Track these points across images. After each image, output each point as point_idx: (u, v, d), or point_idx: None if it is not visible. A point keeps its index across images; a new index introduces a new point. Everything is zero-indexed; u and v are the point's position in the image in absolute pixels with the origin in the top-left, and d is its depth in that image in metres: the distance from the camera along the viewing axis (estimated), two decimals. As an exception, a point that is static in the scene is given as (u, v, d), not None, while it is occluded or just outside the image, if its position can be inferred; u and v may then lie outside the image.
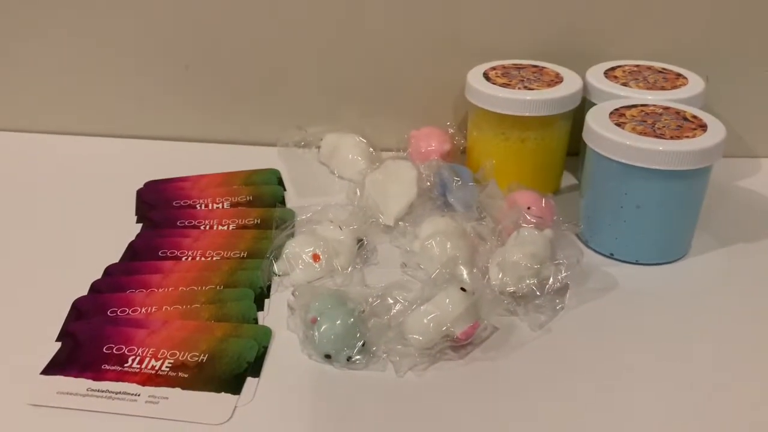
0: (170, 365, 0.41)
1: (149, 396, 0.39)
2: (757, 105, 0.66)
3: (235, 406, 0.39)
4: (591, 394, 0.41)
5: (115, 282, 0.49)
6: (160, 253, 0.52)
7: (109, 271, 0.50)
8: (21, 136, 0.68)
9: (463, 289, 0.43)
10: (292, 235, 0.52)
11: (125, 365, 0.41)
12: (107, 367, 0.41)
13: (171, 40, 0.65)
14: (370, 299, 0.45)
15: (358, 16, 0.63)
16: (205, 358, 0.42)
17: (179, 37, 0.65)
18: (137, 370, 0.41)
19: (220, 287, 0.48)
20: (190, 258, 0.51)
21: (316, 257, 0.49)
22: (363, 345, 0.42)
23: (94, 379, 0.40)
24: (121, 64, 0.66)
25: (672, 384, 0.42)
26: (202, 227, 0.55)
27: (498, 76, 0.59)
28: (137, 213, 0.57)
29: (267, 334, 0.44)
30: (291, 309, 0.45)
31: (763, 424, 0.40)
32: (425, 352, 0.43)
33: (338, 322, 0.42)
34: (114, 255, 0.51)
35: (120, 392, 0.40)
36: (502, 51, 0.63)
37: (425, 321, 0.42)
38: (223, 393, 0.40)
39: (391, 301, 0.45)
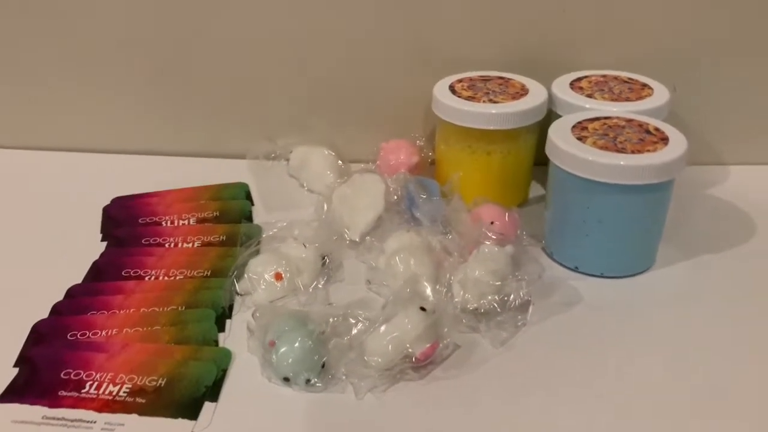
0: (128, 390, 0.41)
1: (105, 423, 0.39)
2: (725, 112, 0.66)
3: (191, 433, 0.39)
4: (554, 410, 0.41)
5: (76, 304, 0.48)
6: (123, 273, 0.51)
7: (71, 292, 0.49)
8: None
9: (423, 309, 0.43)
10: (256, 252, 0.52)
11: (82, 391, 0.41)
12: (64, 393, 0.41)
13: (138, 52, 0.65)
14: (332, 319, 0.45)
15: (329, 27, 0.63)
16: (163, 383, 0.42)
17: (146, 49, 0.64)
18: (94, 396, 0.41)
19: (182, 308, 0.48)
20: (153, 277, 0.51)
21: (278, 276, 0.49)
22: (322, 367, 0.42)
23: (50, 406, 0.40)
24: (86, 76, 0.66)
25: (637, 398, 0.42)
26: (166, 245, 0.55)
27: (464, 89, 0.59)
28: (102, 230, 0.57)
29: (227, 356, 0.44)
30: (250, 331, 0.45)
31: (730, 425, 0.40)
32: (385, 373, 0.43)
33: (296, 344, 0.42)
34: (77, 275, 0.51)
35: (76, 419, 0.39)
36: (471, 62, 0.63)
37: (384, 342, 0.42)
38: (180, 419, 0.40)
39: (353, 321, 0.45)
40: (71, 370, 0.42)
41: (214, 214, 0.59)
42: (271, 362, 0.42)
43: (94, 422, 0.39)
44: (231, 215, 0.58)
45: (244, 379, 0.43)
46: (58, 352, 0.44)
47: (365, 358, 0.43)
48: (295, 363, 0.42)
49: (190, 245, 0.54)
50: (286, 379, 0.42)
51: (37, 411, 0.40)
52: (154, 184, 0.63)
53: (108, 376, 0.42)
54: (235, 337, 0.46)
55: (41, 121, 0.68)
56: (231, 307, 0.48)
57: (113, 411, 0.40)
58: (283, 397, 0.42)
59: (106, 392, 0.41)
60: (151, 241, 0.55)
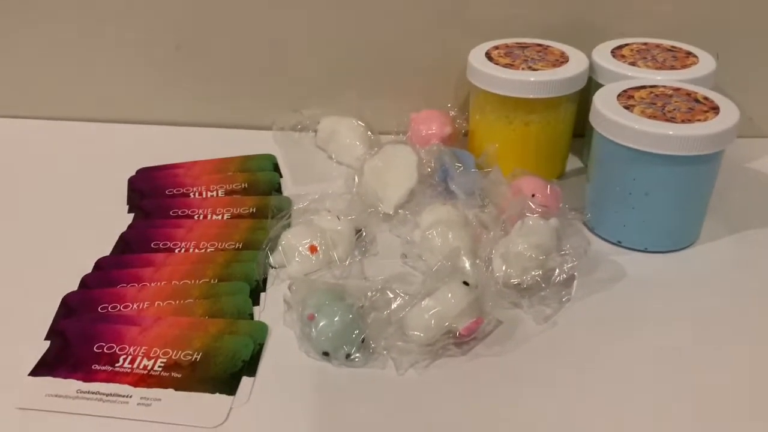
0: (163, 365, 0.40)
1: (141, 398, 0.38)
2: (769, 83, 0.64)
3: (231, 408, 0.38)
4: (599, 389, 0.40)
5: (106, 276, 0.47)
6: (152, 245, 0.50)
7: (99, 264, 0.48)
8: (4, 122, 0.66)
9: (465, 283, 0.42)
10: (288, 225, 0.50)
11: (116, 365, 0.40)
12: (98, 367, 0.40)
13: (161, 21, 0.63)
14: (369, 293, 0.43)
15: (356, -7, 0.61)
16: (199, 357, 0.40)
17: (170, 18, 0.63)
18: (129, 370, 0.40)
19: (214, 281, 0.46)
20: (183, 249, 0.50)
21: (313, 249, 0.47)
22: (362, 342, 0.41)
23: (84, 380, 0.39)
24: (110, 46, 0.64)
25: (680, 376, 0.41)
26: (195, 217, 0.53)
27: (501, 56, 0.56)
28: (129, 202, 0.55)
29: (263, 330, 0.43)
30: (287, 304, 0.43)
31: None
32: (426, 348, 0.41)
33: (336, 318, 0.40)
34: (105, 247, 0.50)
35: (111, 394, 0.38)
36: (506, 28, 0.61)
37: (426, 317, 0.41)
38: (217, 394, 0.38)
39: (391, 295, 0.43)
40: (104, 344, 0.41)
41: (243, 185, 0.57)
42: (309, 336, 0.41)
43: (130, 396, 0.38)
44: (260, 187, 0.57)
45: (282, 354, 0.41)
46: (90, 325, 0.43)
47: (406, 333, 0.41)
48: (334, 337, 0.40)
49: (220, 217, 0.53)
50: (326, 354, 0.41)
51: (71, 385, 0.39)
52: (179, 155, 0.61)
53: (142, 350, 0.41)
54: (270, 310, 0.45)
55: (66, 92, 0.66)
56: (265, 281, 0.47)
57: (149, 386, 0.39)
58: (323, 372, 0.40)
59: (141, 366, 0.40)
60: (179, 213, 0.54)
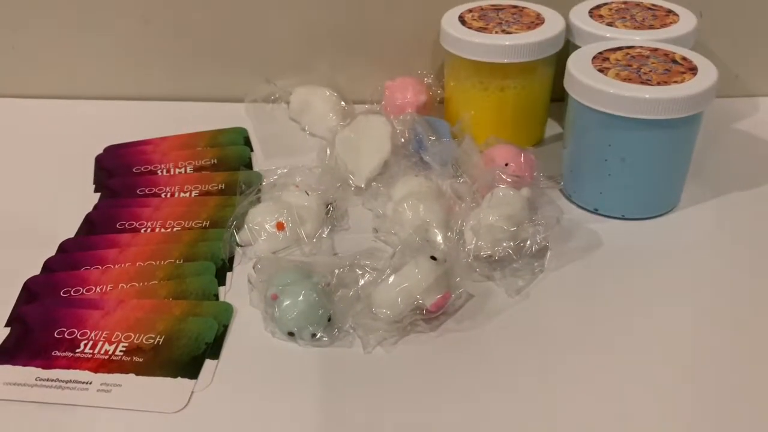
0: (124, 349, 0.39)
1: (101, 384, 0.37)
2: (754, 41, 0.62)
3: (192, 392, 0.37)
4: (574, 362, 0.39)
5: (69, 259, 0.46)
6: (118, 225, 0.49)
7: (63, 247, 0.47)
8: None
9: (433, 258, 0.41)
10: (257, 201, 0.49)
11: (77, 351, 0.39)
12: (58, 353, 0.39)
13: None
14: (337, 270, 0.42)
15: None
16: (161, 340, 0.40)
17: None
18: (90, 356, 0.39)
19: (180, 261, 0.45)
20: (149, 229, 0.48)
21: (279, 226, 0.46)
22: (329, 320, 0.40)
23: (44, 367, 0.38)
24: (76, 20, 0.62)
25: (659, 348, 0.40)
26: (163, 195, 0.52)
27: (474, 20, 0.54)
28: (95, 181, 0.54)
29: (228, 311, 0.42)
30: (252, 284, 0.42)
31: (763, 378, 0.38)
32: (394, 325, 0.40)
33: (300, 298, 0.39)
34: (70, 228, 0.49)
35: (70, 381, 0.37)
36: (481, -10, 0.59)
37: (393, 293, 0.40)
38: (179, 378, 0.38)
39: (360, 272, 0.42)
40: (65, 329, 0.40)
41: (212, 161, 0.56)
42: (274, 317, 0.40)
43: (90, 383, 0.37)
44: (229, 162, 0.56)
45: (247, 335, 0.41)
46: (51, 310, 0.42)
47: (373, 310, 0.40)
48: (299, 317, 0.39)
49: (188, 195, 0.52)
50: (291, 334, 0.40)
51: (31, 372, 0.38)
52: (149, 131, 0.59)
53: (103, 335, 0.40)
54: (236, 290, 0.44)
55: (29, 68, 0.64)
56: (231, 260, 0.46)
57: (109, 371, 0.38)
58: (288, 352, 0.39)
59: (102, 351, 0.39)
60: (146, 191, 0.52)
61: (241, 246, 0.47)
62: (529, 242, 0.44)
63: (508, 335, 0.41)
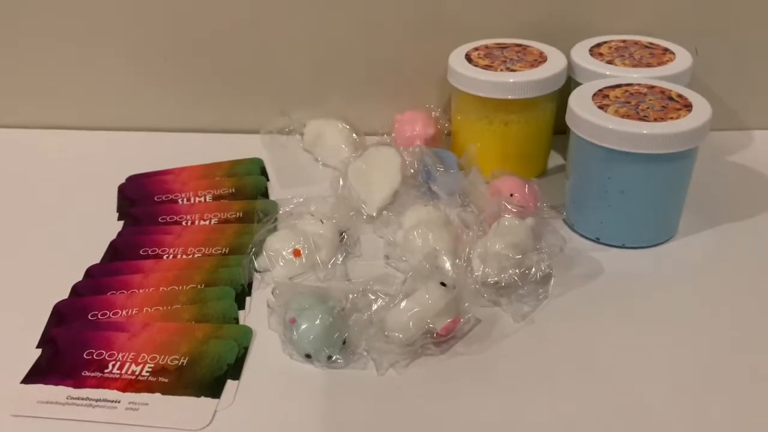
0: (150, 369, 0.41)
1: (129, 402, 0.39)
2: (748, 76, 0.64)
3: (215, 411, 0.39)
4: (578, 385, 0.41)
5: (96, 284, 0.48)
6: (141, 252, 0.51)
7: (90, 272, 0.49)
8: (-1, 132, 0.68)
9: (443, 284, 0.43)
10: (274, 229, 0.51)
11: (105, 371, 0.41)
12: (87, 373, 0.41)
13: (148, 27, 0.64)
14: (351, 295, 0.44)
15: (339, -3, 0.62)
16: (185, 362, 0.42)
17: (156, 23, 0.63)
18: (117, 376, 0.41)
19: (201, 286, 0.48)
20: (171, 256, 0.51)
21: (296, 252, 0.49)
22: (343, 343, 0.42)
23: (74, 386, 0.40)
24: (98, 54, 0.65)
25: (660, 372, 0.42)
26: (183, 223, 0.54)
27: (480, 58, 0.57)
28: (118, 210, 0.57)
29: (248, 334, 0.44)
30: (271, 308, 0.45)
31: (762, 402, 0.40)
32: (406, 348, 0.42)
33: (317, 321, 0.42)
34: (95, 255, 0.51)
35: (100, 399, 0.40)
36: (487, 29, 0.62)
37: (405, 318, 0.42)
38: (203, 397, 0.40)
39: (372, 297, 0.44)
40: (93, 350, 0.43)
41: (230, 190, 0.58)
42: (292, 339, 0.42)
43: (118, 402, 0.39)
44: (247, 191, 0.58)
45: (266, 357, 0.43)
46: (80, 332, 0.44)
47: (386, 333, 0.42)
48: (316, 340, 0.41)
49: (207, 222, 0.54)
50: (308, 356, 0.42)
51: (62, 391, 0.40)
52: (169, 161, 0.62)
53: (130, 356, 0.42)
54: (255, 314, 0.46)
55: (55, 100, 0.67)
56: (250, 285, 0.48)
57: (137, 390, 0.40)
58: (305, 374, 0.42)
59: (129, 372, 0.41)
60: (167, 219, 0.55)
61: (260, 272, 0.49)
62: (533, 269, 0.46)
63: (515, 358, 0.43)
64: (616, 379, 0.41)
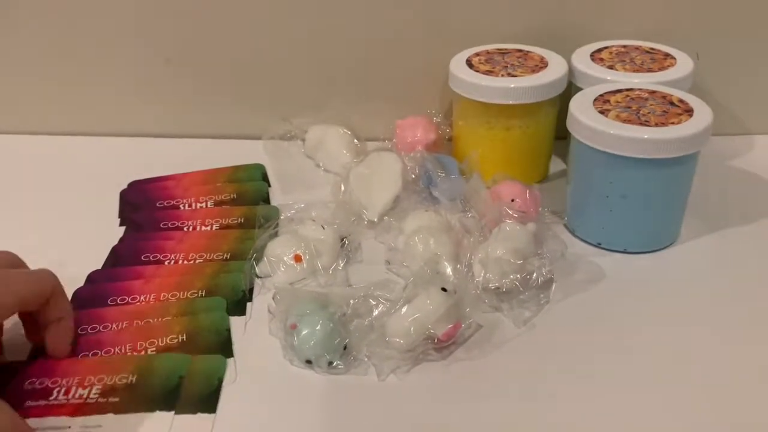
0: (99, 392, 0.40)
1: (80, 427, 0.38)
2: (749, 81, 0.64)
3: (171, 424, 0.38)
4: (579, 390, 0.41)
5: (97, 290, 0.48)
6: (143, 257, 0.51)
7: (92, 278, 0.49)
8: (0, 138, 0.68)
9: (444, 289, 0.43)
10: (275, 235, 0.51)
11: (50, 398, 0.39)
12: (30, 403, 0.39)
13: (150, 33, 0.64)
14: (352, 301, 0.44)
15: (341, 3, 0.62)
16: (134, 379, 0.41)
17: (158, 29, 0.64)
18: (64, 402, 0.39)
19: (202, 293, 0.47)
20: (173, 261, 0.51)
21: (297, 258, 0.49)
22: (344, 349, 0.42)
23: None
24: (100, 59, 0.65)
25: (666, 376, 0.42)
26: (185, 228, 0.54)
27: (481, 63, 0.57)
28: (120, 215, 0.57)
29: (186, 361, 0.42)
30: (271, 314, 0.45)
31: (762, 407, 0.40)
32: (407, 354, 0.42)
33: (317, 327, 0.42)
34: (97, 260, 0.51)
35: (48, 428, 0.38)
36: (488, 34, 0.62)
37: (406, 323, 0.42)
38: (157, 411, 0.39)
39: (373, 302, 0.44)
40: (35, 379, 0.41)
41: (232, 196, 0.58)
42: (292, 345, 0.42)
43: (69, 428, 0.38)
44: (248, 197, 0.58)
45: (266, 363, 0.43)
46: (21, 364, 0.42)
47: (387, 339, 0.42)
48: (316, 345, 0.41)
49: (209, 228, 0.54)
50: (309, 362, 0.42)
51: None
52: (170, 167, 0.62)
53: (75, 380, 0.40)
54: (256, 319, 0.46)
55: (57, 106, 0.67)
56: (251, 290, 0.48)
57: (87, 414, 0.38)
58: (306, 380, 0.42)
59: (76, 396, 0.39)
60: (169, 225, 0.55)
61: (261, 277, 0.49)
62: (535, 275, 0.46)
63: (516, 364, 0.43)
64: (618, 385, 0.41)
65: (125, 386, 0.40)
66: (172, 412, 0.39)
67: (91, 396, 0.40)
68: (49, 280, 0.42)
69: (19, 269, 0.42)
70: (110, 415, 0.39)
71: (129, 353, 0.43)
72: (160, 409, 0.39)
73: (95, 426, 0.38)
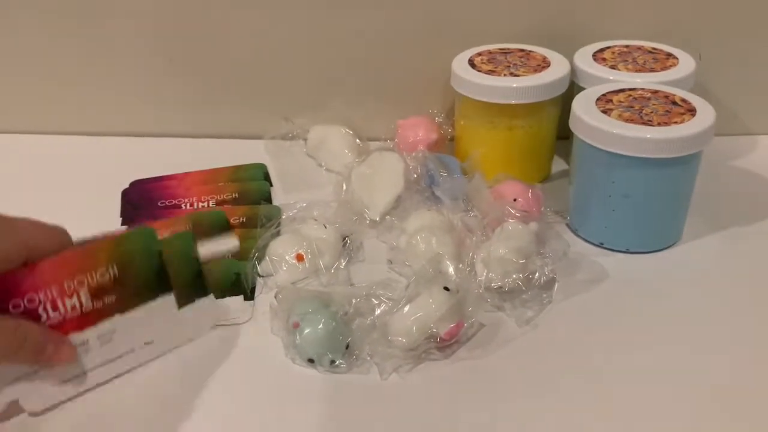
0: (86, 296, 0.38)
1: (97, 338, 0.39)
2: (752, 81, 0.64)
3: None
4: (581, 390, 0.41)
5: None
6: (144, 257, 0.51)
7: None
8: (2, 137, 0.68)
9: (446, 289, 0.43)
10: (277, 234, 0.51)
11: (42, 321, 0.37)
12: None
13: (152, 33, 0.64)
14: (354, 300, 0.44)
15: (343, 3, 0.62)
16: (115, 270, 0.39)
17: (160, 29, 0.64)
18: (60, 320, 0.38)
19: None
20: (174, 260, 0.51)
21: (299, 257, 0.49)
22: (346, 348, 0.42)
23: None
24: (102, 59, 0.65)
25: (668, 376, 0.42)
26: (187, 228, 0.54)
27: (484, 63, 0.57)
28: (122, 214, 0.57)
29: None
30: (274, 312, 0.45)
31: (765, 407, 0.40)
32: (409, 353, 0.42)
33: (320, 326, 0.41)
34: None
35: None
36: (490, 34, 0.62)
37: (408, 322, 0.42)
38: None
39: (375, 302, 0.44)
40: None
41: (234, 195, 0.58)
42: (295, 344, 0.42)
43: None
44: (250, 196, 0.58)
45: (269, 361, 0.43)
46: None
47: (389, 338, 0.42)
48: (319, 344, 0.41)
49: (211, 228, 0.54)
50: (311, 361, 0.42)
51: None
52: (172, 166, 0.62)
53: (53, 291, 0.38)
54: (258, 319, 0.46)
55: (59, 106, 0.67)
56: (253, 289, 0.48)
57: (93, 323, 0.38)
58: (308, 379, 0.41)
59: (69, 308, 0.38)
60: (171, 225, 0.55)
61: (263, 276, 0.49)
62: (537, 274, 0.46)
63: (518, 363, 0.43)
64: (621, 384, 0.41)
65: (112, 281, 0.39)
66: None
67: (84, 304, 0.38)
68: (59, 235, 0.40)
69: (31, 219, 0.40)
70: (117, 317, 0.39)
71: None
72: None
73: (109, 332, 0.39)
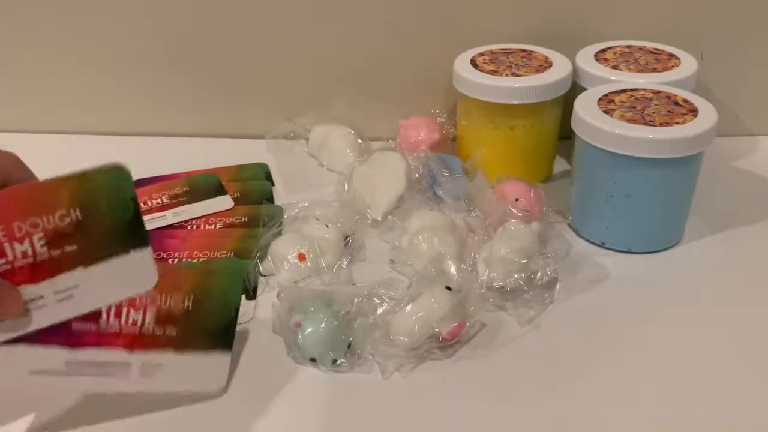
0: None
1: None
2: (754, 82, 0.64)
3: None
4: (583, 389, 0.41)
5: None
6: (146, 256, 0.51)
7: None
8: (2, 136, 0.68)
9: (448, 288, 0.43)
10: (279, 233, 0.51)
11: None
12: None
13: (152, 32, 0.64)
14: (356, 299, 0.44)
15: (345, 2, 0.62)
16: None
17: (161, 28, 0.64)
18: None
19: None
20: (176, 260, 0.51)
21: (301, 257, 0.49)
22: (348, 347, 0.42)
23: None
24: (104, 60, 0.65)
25: (669, 376, 0.42)
26: (189, 227, 0.54)
27: (486, 63, 0.57)
28: (124, 214, 0.57)
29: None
30: (276, 312, 0.45)
31: (765, 408, 0.40)
32: (411, 352, 0.42)
33: (322, 325, 0.42)
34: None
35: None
36: (492, 34, 0.62)
37: (410, 322, 0.42)
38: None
39: (377, 301, 0.44)
40: None
41: (235, 195, 0.58)
42: (297, 343, 0.42)
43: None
44: (252, 196, 0.58)
45: (271, 360, 0.43)
46: None
47: (391, 337, 0.42)
48: (321, 343, 0.41)
49: (213, 227, 0.54)
50: (313, 360, 0.42)
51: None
52: (174, 166, 0.62)
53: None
54: (260, 318, 0.46)
55: (60, 105, 0.68)
56: (255, 289, 0.48)
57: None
58: (310, 378, 0.42)
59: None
60: (173, 224, 0.55)
61: (265, 276, 0.49)
62: (539, 274, 0.46)
63: (520, 363, 0.43)
64: (622, 384, 0.41)
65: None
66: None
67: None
68: (9, 163, 0.34)
69: None
70: (79, 270, 0.33)
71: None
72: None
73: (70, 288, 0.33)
